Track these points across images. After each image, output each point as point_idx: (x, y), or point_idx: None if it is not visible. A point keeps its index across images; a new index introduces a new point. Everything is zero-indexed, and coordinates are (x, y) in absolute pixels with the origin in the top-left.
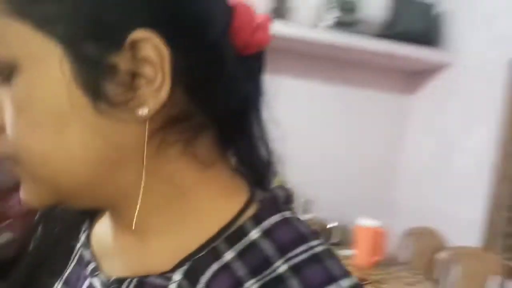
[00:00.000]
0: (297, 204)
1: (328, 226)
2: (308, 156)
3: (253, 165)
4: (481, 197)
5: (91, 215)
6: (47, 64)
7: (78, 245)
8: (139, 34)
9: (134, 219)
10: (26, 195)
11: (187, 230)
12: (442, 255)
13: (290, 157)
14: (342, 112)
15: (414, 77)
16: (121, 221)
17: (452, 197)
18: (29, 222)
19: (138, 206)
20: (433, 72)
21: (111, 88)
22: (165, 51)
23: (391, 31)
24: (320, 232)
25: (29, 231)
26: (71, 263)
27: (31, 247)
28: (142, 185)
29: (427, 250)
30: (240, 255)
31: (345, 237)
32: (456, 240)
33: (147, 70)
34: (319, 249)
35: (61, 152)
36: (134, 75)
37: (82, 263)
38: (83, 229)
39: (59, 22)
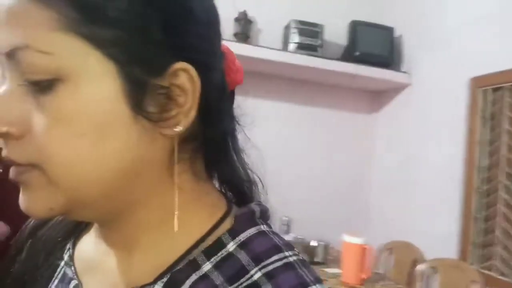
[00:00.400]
0: (277, 224)
1: (311, 244)
2: (283, 176)
3: (233, 184)
4: (453, 210)
5: (75, 234)
6: (100, 79)
7: (62, 263)
8: (180, 65)
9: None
10: (31, 204)
11: (167, 243)
12: (422, 267)
13: (266, 177)
14: (312, 132)
15: (377, 96)
16: (112, 236)
17: (425, 211)
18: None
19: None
20: (394, 91)
21: (151, 107)
22: (198, 82)
23: (352, 54)
24: (303, 251)
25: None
26: (54, 280)
27: (15, 265)
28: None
29: (406, 263)
30: (218, 266)
31: (327, 255)
32: (433, 253)
33: (181, 95)
34: (292, 258)
35: (96, 162)
36: (170, 98)
37: (65, 280)
38: (67, 247)
39: (116, 46)
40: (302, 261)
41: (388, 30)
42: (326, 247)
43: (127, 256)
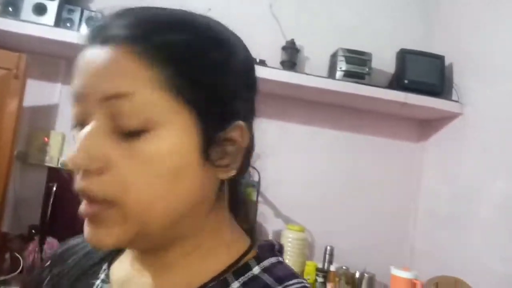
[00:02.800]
0: (320, 253)
1: (356, 276)
2: (327, 204)
3: (246, 221)
4: (509, 248)
5: (110, 257)
6: (182, 133)
7: (98, 281)
8: (238, 122)
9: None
10: (102, 238)
11: (201, 266)
12: None
13: (309, 206)
14: (358, 160)
15: (425, 125)
16: (150, 259)
17: (479, 247)
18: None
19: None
20: (444, 121)
21: (213, 155)
22: (247, 135)
23: (400, 82)
24: (347, 282)
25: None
26: None
27: (45, 283)
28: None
29: None
30: (245, 284)
31: (372, 287)
32: None
33: (234, 146)
34: (307, 285)
35: (170, 199)
36: (226, 148)
37: None
38: (103, 268)
39: (201, 107)
40: None
41: (438, 58)
42: (371, 279)
43: (161, 275)
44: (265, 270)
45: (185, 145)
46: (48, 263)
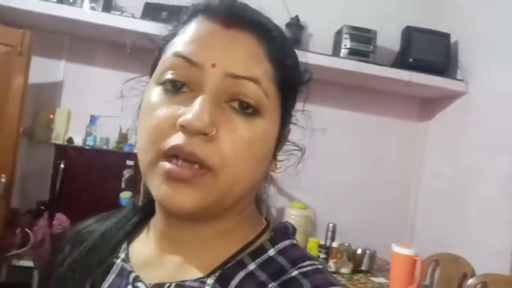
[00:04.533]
0: (323, 230)
1: (357, 252)
2: (329, 182)
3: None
4: (508, 224)
5: (129, 238)
6: (276, 124)
7: (118, 260)
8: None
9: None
10: (188, 199)
11: (219, 247)
12: (471, 281)
13: (312, 184)
14: (361, 138)
15: (429, 104)
16: (185, 237)
17: (477, 224)
18: (46, 251)
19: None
20: (448, 99)
21: (277, 149)
22: (288, 136)
23: (405, 60)
24: (348, 258)
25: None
26: (111, 275)
27: (60, 262)
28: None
29: (453, 276)
30: (261, 266)
31: (373, 264)
32: (484, 268)
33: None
34: (320, 266)
35: (253, 178)
36: (282, 146)
37: (123, 274)
38: (123, 247)
39: (285, 106)
40: (327, 270)
41: (444, 36)
42: (373, 256)
43: (182, 255)
44: (280, 252)
45: (273, 135)
46: (64, 242)
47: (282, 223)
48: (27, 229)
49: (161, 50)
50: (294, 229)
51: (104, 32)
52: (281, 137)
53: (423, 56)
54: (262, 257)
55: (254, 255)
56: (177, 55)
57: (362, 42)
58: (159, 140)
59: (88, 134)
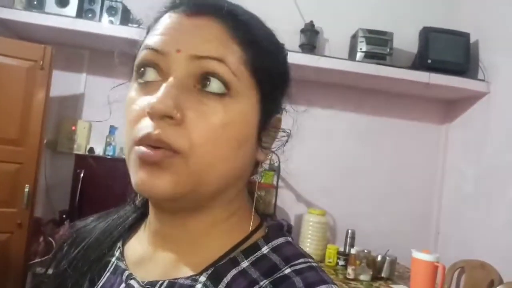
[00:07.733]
0: (342, 236)
1: (377, 260)
2: (348, 188)
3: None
4: None
5: (123, 237)
6: (252, 106)
7: (113, 259)
8: (279, 115)
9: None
10: (161, 183)
11: (211, 244)
12: None
13: (331, 190)
14: (380, 143)
15: (450, 106)
16: (177, 234)
17: (504, 228)
18: None
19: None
20: (470, 100)
21: (263, 136)
22: (280, 124)
23: (423, 62)
24: (368, 265)
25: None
26: (106, 273)
27: (60, 259)
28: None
29: (480, 284)
30: (254, 263)
31: (393, 271)
32: (510, 274)
33: (275, 134)
34: (314, 264)
35: (228, 163)
36: (270, 133)
37: (117, 272)
38: (118, 246)
39: (265, 90)
40: (320, 268)
41: (463, 36)
42: (393, 263)
43: (175, 252)
44: (273, 249)
45: (252, 119)
46: (64, 240)
47: (276, 220)
48: (50, 238)
49: (137, 53)
50: (290, 227)
51: (123, 45)
52: (266, 124)
53: (442, 57)
54: (255, 254)
55: (247, 253)
56: (146, 47)
57: (378, 45)
58: (133, 130)
59: (108, 144)
